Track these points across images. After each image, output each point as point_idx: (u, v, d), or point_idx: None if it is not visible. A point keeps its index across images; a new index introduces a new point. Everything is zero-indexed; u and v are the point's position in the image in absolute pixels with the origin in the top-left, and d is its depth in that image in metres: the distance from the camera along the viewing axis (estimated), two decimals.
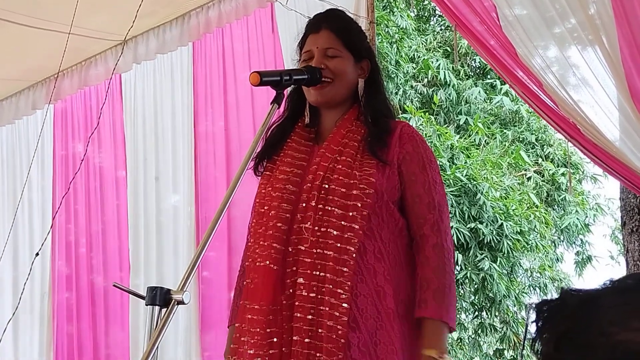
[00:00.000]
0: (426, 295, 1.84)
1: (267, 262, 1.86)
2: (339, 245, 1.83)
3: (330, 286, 1.80)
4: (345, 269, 1.81)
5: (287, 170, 1.97)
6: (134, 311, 4.18)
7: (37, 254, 3.92)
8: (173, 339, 3.91)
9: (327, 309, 1.79)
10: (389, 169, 1.93)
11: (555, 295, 0.98)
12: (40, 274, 4.71)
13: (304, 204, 1.89)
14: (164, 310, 1.37)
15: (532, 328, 0.98)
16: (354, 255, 1.82)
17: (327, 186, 1.89)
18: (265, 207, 1.94)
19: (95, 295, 4.48)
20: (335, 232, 1.84)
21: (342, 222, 1.84)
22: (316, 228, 1.86)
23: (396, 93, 9.48)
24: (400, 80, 9.50)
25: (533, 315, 0.98)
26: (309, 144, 2.03)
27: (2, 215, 5.10)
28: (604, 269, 10.60)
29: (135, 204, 4.32)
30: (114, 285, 1.61)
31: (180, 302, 1.37)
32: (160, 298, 1.38)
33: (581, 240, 10.20)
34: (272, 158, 2.03)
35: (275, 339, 1.83)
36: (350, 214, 1.85)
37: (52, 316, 4.61)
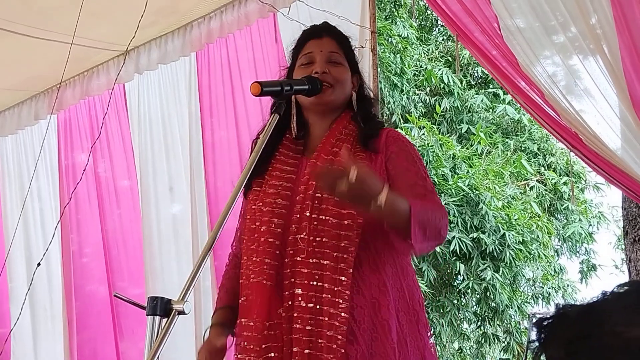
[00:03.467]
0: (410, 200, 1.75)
1: (260, 278, 1.85)
2: (335, 254, 1.82)
3: (329, 296, 1.79)
4: (343, 278, 1.80)
5: (276, 184, 1.95)
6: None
7: (38, 264, 3.92)
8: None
9: (326, 319, 1.78)
10: (380, 176, 1.91)
11: (553, 311, 1.01)
12: (57, 284, 4.70)
13: (297, 215, 1.88)
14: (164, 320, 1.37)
15: (534, 343, 1.00)
16: (351, 263, 1.81)
17: (320, 195, 1.87)
18: (257, 223, 1.93)
19: (118, 306, 4.45)
20: (331, 242, 1.83)
21: (338, 231, 1.84)
22: (312, 238, 1.84)
23: (400, 101, 9.48)
24: (405, 88, 9.51)
25: (533, 333, 1.00)
26: (297, 156, 2.02)
27: (11, 225, 5.08)
28: (608, 278, 10.59)
29: (148, 213, 4.31)
30: (115, 295, 1.61)
31: (181, 312, 1.37)
32: (161, 308, 1.38)
33: (585, 249, 10.18)
34: (261, 174, 2.00)
35: (273, 354, 1.81)
36: (346, 222, 1.84)
37: (68, 327, 4.58)
